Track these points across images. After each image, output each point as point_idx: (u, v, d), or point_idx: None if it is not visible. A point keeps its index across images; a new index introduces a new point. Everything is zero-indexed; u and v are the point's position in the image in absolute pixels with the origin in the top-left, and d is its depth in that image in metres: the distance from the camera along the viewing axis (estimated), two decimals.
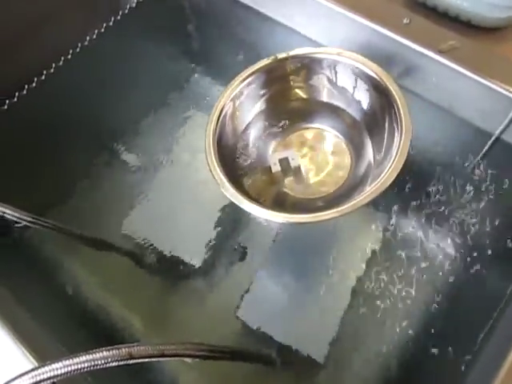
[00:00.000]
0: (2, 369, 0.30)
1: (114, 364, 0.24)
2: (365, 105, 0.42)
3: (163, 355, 0.26)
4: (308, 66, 0.43)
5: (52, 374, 0.24)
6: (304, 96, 0.46)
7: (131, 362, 0.25)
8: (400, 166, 0.34)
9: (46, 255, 0.53)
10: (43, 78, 0.49)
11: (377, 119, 0.41)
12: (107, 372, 0.25)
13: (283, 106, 0.46)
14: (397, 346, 0.47)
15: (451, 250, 0.51)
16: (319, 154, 0.44)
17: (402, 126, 0.36)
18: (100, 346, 0.24)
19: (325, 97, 0.45)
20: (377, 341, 0.47)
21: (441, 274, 0.50)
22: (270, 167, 0.41)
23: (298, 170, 0.41)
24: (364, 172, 0.41)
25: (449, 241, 0.51)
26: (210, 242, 0.52)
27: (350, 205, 0.33)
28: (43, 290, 0.49)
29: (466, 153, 0.44)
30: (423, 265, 0.50)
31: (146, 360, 0.25)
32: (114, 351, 0.24)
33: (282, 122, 0.46)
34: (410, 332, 0.47)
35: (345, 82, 0.43)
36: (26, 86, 0.49)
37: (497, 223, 0.45)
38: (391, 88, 0.37)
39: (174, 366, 0.48)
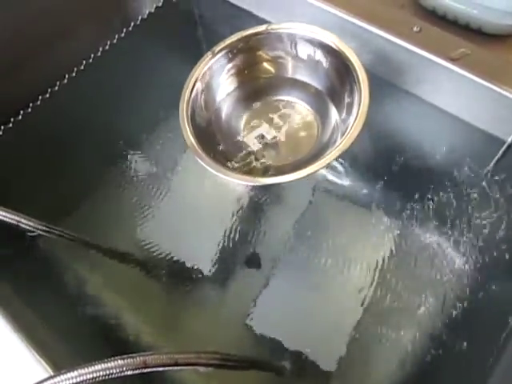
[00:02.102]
0: (18, 377, 0.30)
1: (129, 373, 0.25)
2: (325, 74, 0.46)
3: (177, 364, 0.26)
4: (269, 43, 0.46)
5: (67, 382, 0.24)
6: (270, 71, 0.49)
7: (145, 370, 0.25)
8: (364, 118, 0.38)
9: (58, 264, 0.54)
10: (57, 88, 0.50)
11: (336, 84, 0.45)
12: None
13: (250, 82, 0.49)
14: (410, 357, 0.46)
15: (463, 259, 0.50)
16: (289, 123, 0.48)
17: (360, 84, 0.39)
18: (111, 354, 0.24)
19: (289, 72, 0.48)
20: (389, 352, 0.47)
21: (455, 285, 0.49)
22: (247, 145, 0.45)
23: (274, 141, 0.46)
24: (332, 131, 0.45)
25: (460, 249, 0.50)
26: (222, 250, 0.52)
27: (330, 155, 0.37)
28: (56, 299, 0.49)
29: (479, 160, 0.44)
30: (436, 276, 0.50)
31: (160, 369, 0.25)
32: (128, 360, 0.25)
33: (250, 97, 0.49)
34: (423, 344, 0.47)
35: (305, 55, 0.46)
36: (40, 97, 0.50)
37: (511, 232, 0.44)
38: (346, 52, 0.41)
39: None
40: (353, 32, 0.42)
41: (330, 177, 0.56)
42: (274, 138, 0.46)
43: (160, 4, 0.55)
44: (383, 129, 0.51)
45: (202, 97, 0.46)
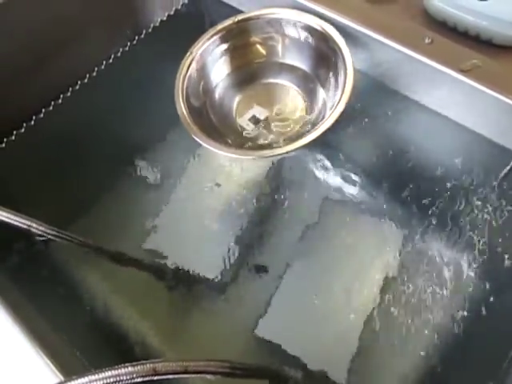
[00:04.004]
0: (29, 383, 0.30)
1: (139, 380, 0.25)
2: (311, 56, 0.49)
3: (187, 371, 0.26)
4: (258, 29, 0.49)
5: None
6: (260, 56, 0.52)
7: (155, 378, 0.25)
8: (350, 89, 0.41)
9: (67, 269, 0.54)
10: (69, 94, 0.51)
11: (323, 65, 0.48)
12: None
13: (241, 67, 0.52)
14: (420, 369, 0.46)
15: (469, 272, 0.50)
16: (280, 104, 0.51)
17: (344, 61, 0.42)
18: (118, 360, 0.24)
19: (278, 56, 0.51)
20: (399, 362, 0.46)
21: (464, 298, 0.49)
22: (241, 127, 0.49)
23: (266, 121, 0.49)
24: (320, 109, 0.48)
25: (470, 261, 0.50)
26: (230, 258, 0.52)
27: (318, 129, 0.41)
28: (65, 304, 0.49)
29: (489, 171, 0.44)
30: (445, 287, 0.49)
31: (170, 376, 0.25)
32: (138, 367, 0.25)
33: (241, 82, 0.52)
34: (432, 354, 0.46)
35: (292, 38, 0.49)
36: (52, 103, 0.50)
37: None
38: (331, 33, 0.43)
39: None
40: (364, 42, 0.43)
41: (340, 186, 0.56)
42: (266, 118, 0.49)
43: (172, 12, 0.56)
44: (393, 139, 0.51)
45: (196, 84, 0.49)
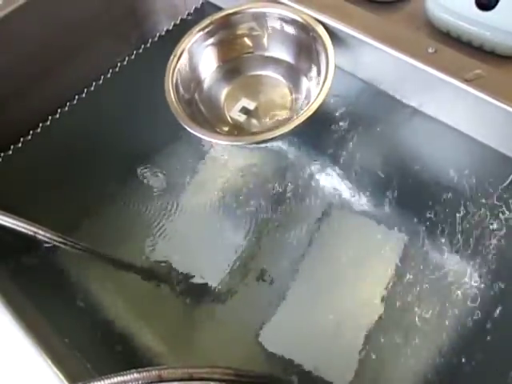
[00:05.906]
0: None
1: None
2: (294, 47, 0.51)
3: (192, 378, 0.26)
4: (242, 24, 0.51)
5: None
6: (247, 50, 0.54)
7: None
8: (330, 82, 0.43)
9: (72, 275, 0.54)
10: (75, 102, 0.51)
11: (305, 55, 0.49)
12: None
13: (228, 61, 0.54)
14: (423, 376, 0.46)
15: (474, 278, 0.50)
16: (266, 94, 0.53)
17: (326, 49, 0.44)
18: (122, 367, 0.24)
19: (264, 49, 0.53)
20: (402, 370, 0.46)
21: (466, 304, 0.49)
22: (232, 118, 0.50)
23: (255, 110, 0.51)
24: (304, 97, 0.50)
25: (471, 270, 0.50)
26: (233, 265, 0.52)
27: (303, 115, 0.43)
28: (71, 310, 0.49)
29: (492, 180, 0.44)
30: (450, 293, 0.49)
31: (175, 383, 0.26)
32: (144, 373, 0.25)
33: (228, 75, 0.54)
34: (437, 362, 0.46)
35: (275, 31, 0.51)
36: (59, 110, 0.51)
37: None
38: (313, 24, 0.45)
39: None
40: (368, 53, 0.43)
41: (343, 192, 0.56)
42: (256, 108, 0.51)
43: (178, 22, 0.56)
44: (396, 148, 0.51)
45: (185, 78, 0.51)
